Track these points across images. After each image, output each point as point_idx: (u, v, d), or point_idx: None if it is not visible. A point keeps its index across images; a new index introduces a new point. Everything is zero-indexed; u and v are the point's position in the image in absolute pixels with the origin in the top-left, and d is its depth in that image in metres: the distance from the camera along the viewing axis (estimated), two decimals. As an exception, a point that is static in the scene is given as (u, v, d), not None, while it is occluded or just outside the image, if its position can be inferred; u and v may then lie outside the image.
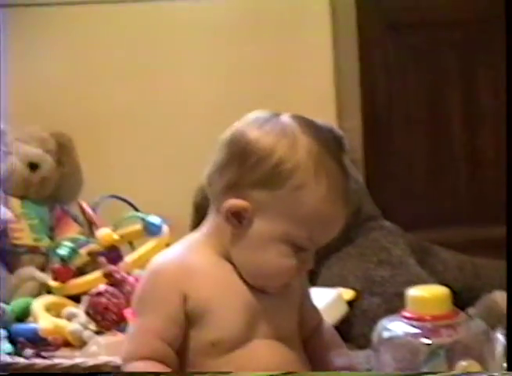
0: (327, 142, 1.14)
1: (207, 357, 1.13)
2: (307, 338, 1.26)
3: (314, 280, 1.88)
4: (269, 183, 1.10)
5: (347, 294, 1.79)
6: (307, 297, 1.26)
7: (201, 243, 1.18)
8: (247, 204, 1.11)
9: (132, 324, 1.17)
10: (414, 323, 1.34)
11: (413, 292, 1.37)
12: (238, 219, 1.12)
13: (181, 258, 1.16)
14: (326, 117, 2.08)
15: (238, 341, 1.13)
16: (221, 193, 1.14)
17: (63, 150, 2.25)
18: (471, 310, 1.71)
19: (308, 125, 1.14)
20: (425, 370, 1.33)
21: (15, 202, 2.17)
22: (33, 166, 2.20)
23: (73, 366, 1.54)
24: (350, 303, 1.78)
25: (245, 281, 1.15)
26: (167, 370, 1.11)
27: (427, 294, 1.35)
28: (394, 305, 1.62)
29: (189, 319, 1.13)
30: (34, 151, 2.21)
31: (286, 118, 1.15)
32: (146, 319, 1.14)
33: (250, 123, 1.15)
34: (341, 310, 1.75)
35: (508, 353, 1.04)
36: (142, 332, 1.14)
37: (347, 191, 1.14)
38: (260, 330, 1.15)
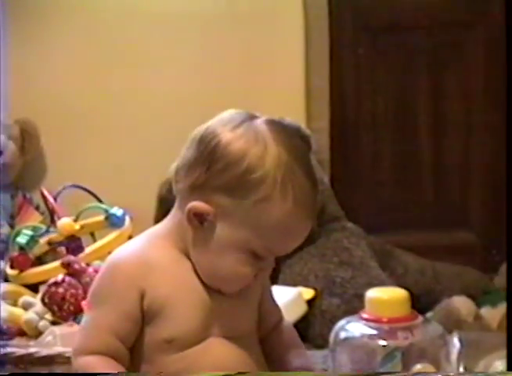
0: (297, 150, 1.12)
1: (162, 354, 1.12)
2: (266, 335, 1.25)
3: (275, 278, 1.88)
4: (234, 191, 1.09)
5: (307, 293, 1.79)
6: (267, 294, 1.26)
7: (162, 237, 1.16)
8: (210, 208, 1.10)
9: (86, 317, 1.15)
10: (371, 324, 1.34)
11: (372, 294, 1.37)
12: (199, 221, 1.11)
13: (140, 253, 1.14)
14: (295, 116, 2.08)
15: (193, 339, 1.12)
16: (186, 192, 1.12)
17: (26, 137, 2.23)
18: (430, 314, 1.72)
19: (280, 132, 1.12)
20: (381, 371, 1.33)
21: (-25, 188, 2.15)
22: (-6, 152, 2.18)
23: (26, 355, 1.53)
24: (309, 303, 1.78)
25: (200, 278, 1.15)
26: (117, 366, 1.10)
27: (385, 296, 1.36)
28: (354, 306, 1.63)
29: (145, 316, 1.12)
30: (-3, 137, 2.18)
31: (259, 123, 1.12)
32: (100, 313, 1.12)
33: (224, 123, 1.13)
34: (301, 309, 1.75)
35: (508, 353, 1.04)
36: (95, 326, 1.12)
37: (313, 203, 1.11)
38: (216, 329, 1.14)
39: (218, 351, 1.13)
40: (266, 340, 1.24)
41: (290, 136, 1.13)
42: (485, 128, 2.30)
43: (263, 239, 1.10)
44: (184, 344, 1.12)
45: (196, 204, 1.10)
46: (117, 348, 1.11)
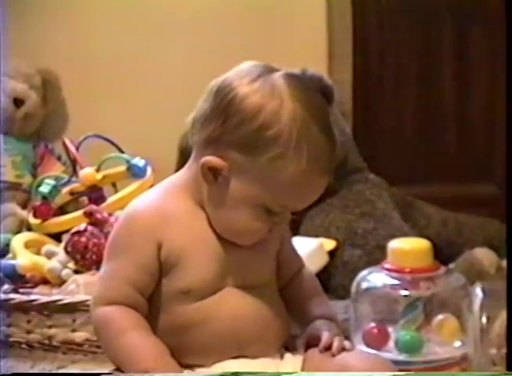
0: (314, 106, 1.10)
1: (179, 304, 1.12)
2: (286, 284, 1.25)
3: (296, 229, 1.88)
4: (249, 148, 1.07)
5: (329, 244, 1.78)
6: (287, 243, 1.26)
7: (179, 189, 1.16)
8: (224, 163, 1.09)
9: (104, 267, 1.15)
10: (393, 274, 1.34)
11: (394, 244, 1.37)
12: (214, 176, 1.10)
13: (157, 205, 1.14)
14: (317, 68, 2.05)
15: (209, 290, 1.12)
16: (202, 145, 1.11)
17: (48, 87, 2.22)
18: (452, 266, 1.71)
19: (298, 87, 1.10)
20: (403, 321, 1.34)
21: (-3, 138, 2.16)
22: (17, 102, 2.17)
23: (49, 302, 1.54)
24: (331, 254, 1.78)
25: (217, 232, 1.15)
26: (136, 316, 1.10)
27: (407, 247, 1.36)
28: (375, 257, 1.63)
29: (162, 267, 1.12)
30: (20, 87, 2.18)
31: (277, 77, 1.10)
32: (118, 264, 1.13)
33: (242, 76, 1.11)
34: (322, 260, 1.75)
35: (508, 353, 1.04)
36: (114, 277, 1.12)
37: (330, 159, 1.10)
38: (232, 279, 1.14)
39: (234, 300, 1.13)
40: (287, 288, 1.24)
41: (309, 91, 1.11)
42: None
43: (276, 196, 1.09)
44: (200, 294, 1.12)
45: (210, 159, 1.09)
46: (136, 299, 1.12)
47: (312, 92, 1.13)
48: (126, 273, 1.12)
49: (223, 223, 1.12)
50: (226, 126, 1.08)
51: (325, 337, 1.15)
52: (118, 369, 1.10)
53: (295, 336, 1.27)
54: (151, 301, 1.13)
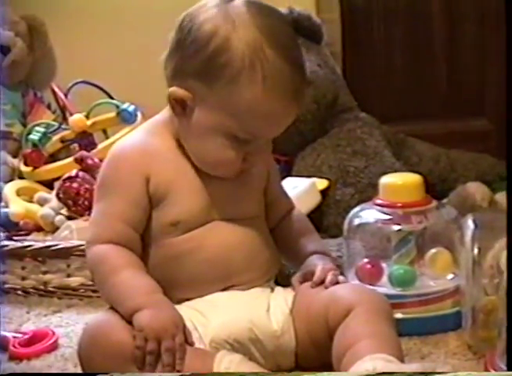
0: (274, 31, 1.09)
1: (168, 236, 1.14)
2: (276, 224, 1.26)
3: (288, 170, 1.88)
4: (206, 75, 1.08)
5: (321, 184, 1.78)
6: (275, 182, 1.26)
7: (161, 127, 1.18)
8: (187, 93, 1.10)
9: (95, 208, 1.17)
10: (385, 210, 1.34)
11: (385, 179, 1.37)
12: (182, 107, 1.12)
13: (142, 142, 1.16)
14: (304, 7, 2.04)
15: (197, 222, 1.14)
16: (170, 78, 1.13)
17: (34, 34, 2.19)
18: (445, 201, 1.71)
19: (259, 13, 1.09)
20: (396, 256, 1.34)
21: (-16, 86, 2.13)
22: (3, 49, 2.15)
23: (43, 248, 1.54)
24: (323, 193, 1.77)
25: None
26: (129, 253, 1.12)
27: (399, 181, 1.35)
28: (368, 195, 1.63)
29: (152, 201, 1.14)
30: (5, 34, 2.15)
31: (237, 4, 1.10)
32: (109, 202, 1.14)
33: (202, 5, 1.12)
34: (315, 200, 1.74)
35: (508, 353, 1.04)
36: (106, 215, 1.14)
37: (294, 85, 1.09)
38: (219, 212, 1.16)
39: (222, 231, 1.15)
40: (277, 229, 1.25)
41: (271, 18, 1.10)
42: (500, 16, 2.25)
43: (239, 122, 1.09)
44: (188, 226, 1.14)
45: (174, 90, 1.11)
46: (129, 236, 1.13)
47: (277, 19, 1.12)
48: (118, 210, 1.13)
49: (197, 155, 1.14)
50: (186, 56, 1.10)
51: (318, 271, 1.16)
52: (112, 307, 1.11)
53: (289, 275, 1.27)
54: (142, 237, 1.15)
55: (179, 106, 1.11)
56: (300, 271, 1.21)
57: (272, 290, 1.19)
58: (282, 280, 1.25)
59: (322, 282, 1.15)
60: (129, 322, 1.07)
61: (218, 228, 1.15)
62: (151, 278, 1.11)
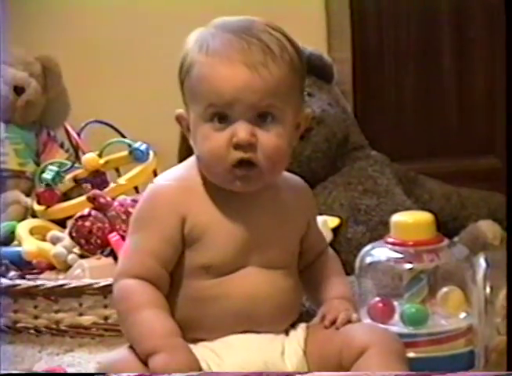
0: (226, 24, 1.13)
1: (199, 279, 1.13)
2: (306, 267, 1.26)
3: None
4: (181, 84, 1.14)
5: (333, 221, 1.78)
6: (314, 227, 1.26)
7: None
8: (184, 113, 1.14)
9: (127, 241, 1.16)
10: (397, 248, 1.34)
11: (397, 218, 1.37)
12: (187, 129, 1.15)
13: (181, 179, 1.16)
14: (316, 47, 2.06)
15: (230, 267, 1.13)
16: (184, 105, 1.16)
17: (48, 75, 2.22)
18: (456, 239, 1.71)
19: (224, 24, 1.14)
20: (407, 295, 1.34)
21: (-1, 126, 2.16)
22: (18, 90, 2.18)
23: (56, 287, 1.55)
24: (334, 231, 1.78)
25: (242, 208, 1.14)
26: (155, 291, 1.11)
27: (410, 220, 1.35)
28: (379, 233, 1.63)
29: (185, 240, 1.13)
30: (19, 74, 2.18)
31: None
32: (141, 237, 1.13)
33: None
34: (326, 238, 1.74)
35: (508, 353, 1.04)
36: (137, 250, 1.13)
37: (243, 51, 1.09)
38: (252, 259, 1.15)
39: (253, 280, 1.14)
40: (306, 271, 1.25)
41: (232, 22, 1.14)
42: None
43: (204, 94, 1.10)
44: (220, 271, 1.13)
45: (177, 111, 1.16)
46: (158, 273, 1.12)
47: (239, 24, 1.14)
48: (149, 246, 1.12)
49: (201, 161, 1.14)
50: (183, 86, 1.14)
51: (330, 313, 1.16)
52: (131, 346, 1.10)
53: (308, 310, 1.28)
54: (171, 276, 1.14)
55: (180, 123, 1.16)
56: (317, 314, 1.21)
57: (287, 333, 1.18)
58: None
59: (333, 322, 1.15)
60: (145, 362, 1.06)
61: (248, 277, 1.14)
62: (172, 319, 1.10)
